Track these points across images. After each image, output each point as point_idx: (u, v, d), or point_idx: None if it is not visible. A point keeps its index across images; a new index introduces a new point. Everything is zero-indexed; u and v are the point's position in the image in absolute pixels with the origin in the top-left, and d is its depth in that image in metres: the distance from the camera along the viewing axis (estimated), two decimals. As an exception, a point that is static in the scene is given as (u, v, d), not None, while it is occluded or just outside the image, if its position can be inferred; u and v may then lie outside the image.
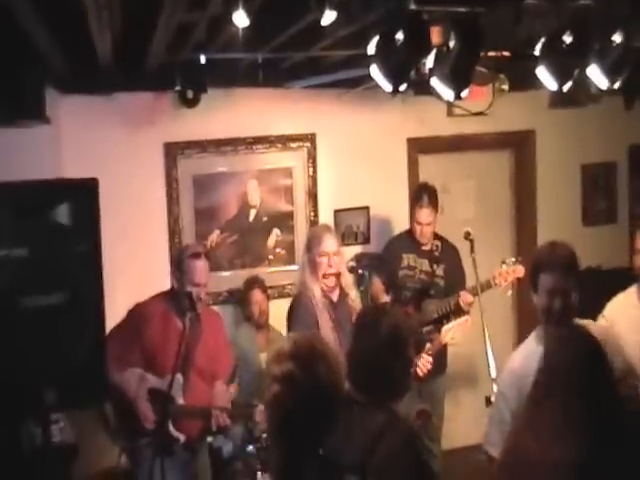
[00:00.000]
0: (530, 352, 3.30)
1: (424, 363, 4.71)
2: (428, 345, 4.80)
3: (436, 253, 5.43)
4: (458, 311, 5.20)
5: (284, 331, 5.49)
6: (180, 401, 4.22)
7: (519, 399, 3.21)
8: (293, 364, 2.33)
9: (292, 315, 4.60)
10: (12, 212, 2.79)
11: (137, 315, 4.31)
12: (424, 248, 5.43)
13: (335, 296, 4.56)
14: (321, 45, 4.34)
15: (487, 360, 4.37)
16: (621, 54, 3.55)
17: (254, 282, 5.64)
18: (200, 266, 4.31)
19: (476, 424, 5.01)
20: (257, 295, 5.55)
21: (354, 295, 4.49)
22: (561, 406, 2.27)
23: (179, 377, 4.16)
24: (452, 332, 4.87)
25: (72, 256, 2.85)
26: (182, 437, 4.26)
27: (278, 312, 5.61)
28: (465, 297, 5.10)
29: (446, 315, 5.27)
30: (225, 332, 4.74)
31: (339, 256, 4.55)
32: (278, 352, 2.41)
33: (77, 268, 2.85)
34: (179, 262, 4.36)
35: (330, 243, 4.51)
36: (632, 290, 4.14)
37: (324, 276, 4.48)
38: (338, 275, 4.48)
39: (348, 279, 4.58)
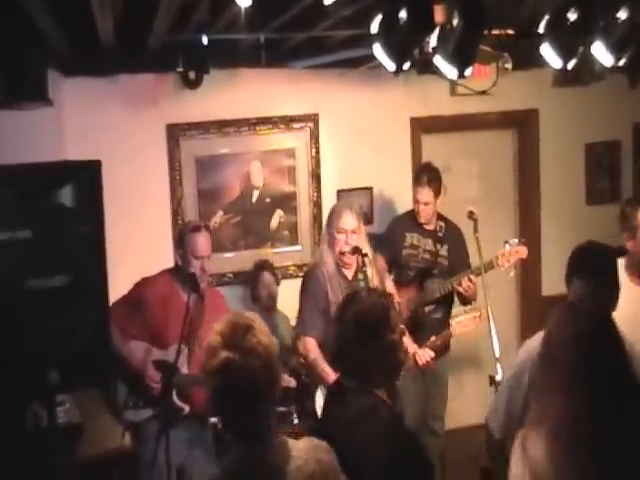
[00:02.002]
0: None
1: (424, 354, 4.71)
2: (433, 338, 4.79)
3: (440, 233, 5.41)
4: (461, 294, 5.19)
5: (289, 313, 5.50)
6: (185, 371, 4.26)
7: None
8: (227, 351, 2.33)
9: (303, 286, 4.67)
10: (15, 195, 2.79)
11: (142, 288, 4.35)
12: (428, 228, 5.42)
13: (350, 274, 4.59)
14: (324, 25, 4.32)
15: (491, 340, 4.36)
16: (626, 31, 3.53)
17: (263, 265, 5.65)
18: (200, 239, 4.32)
19: (480, 403, 5.02)
20: (267, 278, 5.56)
21: (370, 274, 4.48)
22: (567, 375, 2.25)
23: (184, 348, 4.20)
24: (463, 325, 4.86)
25: (75, 238, 2.85)
26: (187, 408, 4.29)
27: (282, 293, 5.62)
28: (466, 283, 5.07)
29: (449, 294, 5.27)
30: (228, 312, 4.74)
31: (358, 234, 4.55)
32: (208, 346, 2.40)
33: (80, 250, 2.85)
34: (181, 238, 4.41)
35: (348, 220, 4.52)
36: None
37: (340, 252, 4.51)
38: (355, 253, 4.48)
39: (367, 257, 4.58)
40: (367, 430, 2.78)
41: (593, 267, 3.26)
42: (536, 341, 3.29)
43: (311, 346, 4.49)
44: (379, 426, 2.79)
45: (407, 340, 4.75)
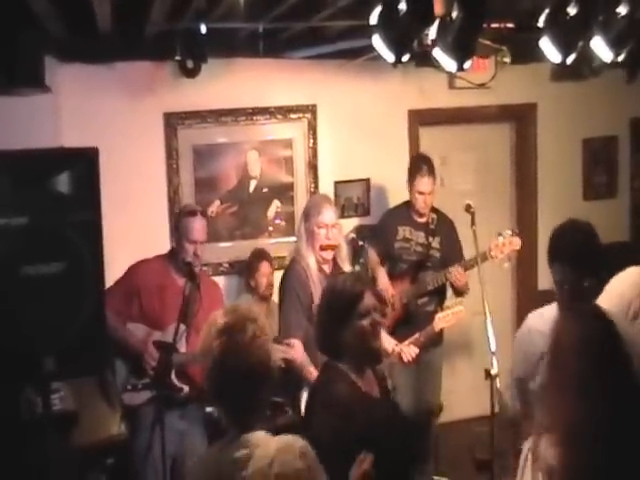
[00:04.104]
0: (549, 311, 3.28)
1: (409, 352, 4.70)
2: (416, 335, 4.80)
3: (432, 226, 5.41)
4: (454, 286, 5.21)
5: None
6: (183, 350, 4.29)
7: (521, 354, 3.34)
8: (229, 335, 2.36)
9: (285, 284, 4.53)
10: (12, 181, 2.79)
11: (136, 272, 4.36)
12: (420, 220, 5.41)
13: (328, 269, 4.51)
14: (322, 15, 4.31)
15: (487, 334, 4.36)
16: (625, 26, 3.53)
17: (263, 254, 5.63)
18: (196, 223, 4.32)
19: (474, 396, 5.05)
20: (265, 267, 5.54)
21: (347, 269, 4.46)
22: (571, 384, 2.26)
23: (182, 328, 4.21)
24: (445, 321, 4.88)
25: (72, 225, 2.85)
26: (186, 388, 4.31)
27: (277, 284, 5.61)
28: (456, 274, 5.08)
29: (441, 287, 5.28)
30: (223, 301, 4.74)
31: (337, 228, 4.51)
32: (211, 326, 2.41)
33: (77, 237, 2.85)
34: (176, 221, 4.44)
35: (329, 215, 4.46)
36: None
37: (321, 248, 4.44)
38: (334, 248, 4.46)
39: (343, 253, 4.55)
40: (319, 400, 3.00)
41: (571, 250, 3.22)
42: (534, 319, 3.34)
43: (298, 349, 4.33)
44: (329, 397, 2.94)
45: (385, 337, 4.76)
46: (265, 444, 2.31)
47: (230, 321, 2.38)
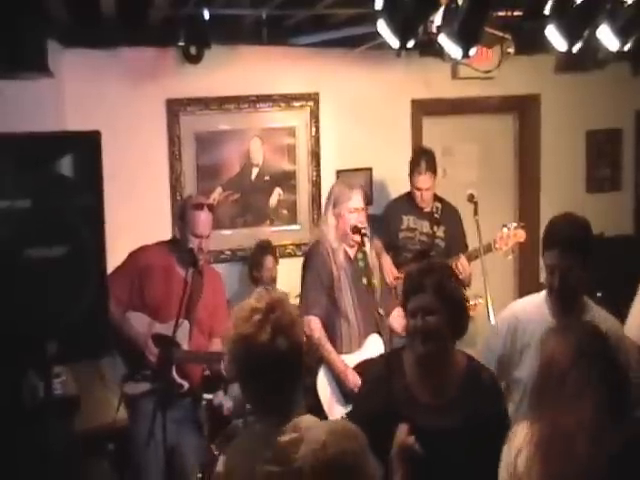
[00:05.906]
0: (539, 301, 3.37)
1: None
2: None
3: (436, 215, 5.42)
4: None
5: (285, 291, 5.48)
6: (185, 347, 4.23)
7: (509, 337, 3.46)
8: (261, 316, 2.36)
9: (308, 264, 4.60)
10: (15, 164, 2.79)
11: (139, 256, 4.30)
12: (424, 210, 5.43)
13: (353, 253, 4.58)
14: (326, 2, 4.29)
15: (489, 325, 4.36)
16: (632, 15, 3.52)
17: (267, 248, 5.59)
18: (202, 217, 4.26)
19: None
20: (269, 262, 5.51)
21: (368, 250, 4.52)
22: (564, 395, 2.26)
23: (185, 323, 4.18)
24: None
25: (74, 208, 2.84)
26: (186, 384, 4.27)
27: (279, 272, 5.60)
28: (461, 265, 5.08)
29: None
30: (225, 292, 4.72)
31: (365, 212, 4.57)
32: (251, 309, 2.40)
33: (79, 220, 2.84)
34: (182, 212, 4.35)
35: (358, 200, 4.52)
36: None
37: (353, 231, 4.47)
38: (356, 232, 4.48)
39: (366, 236, 4.58)
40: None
41: (562, 237, 3.23)
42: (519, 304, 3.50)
43: (315, 325, 4.42)
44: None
45: (395, 318, 4.76)
46: (316, 427, 2.32)
47: (271, 302, 2.38)
